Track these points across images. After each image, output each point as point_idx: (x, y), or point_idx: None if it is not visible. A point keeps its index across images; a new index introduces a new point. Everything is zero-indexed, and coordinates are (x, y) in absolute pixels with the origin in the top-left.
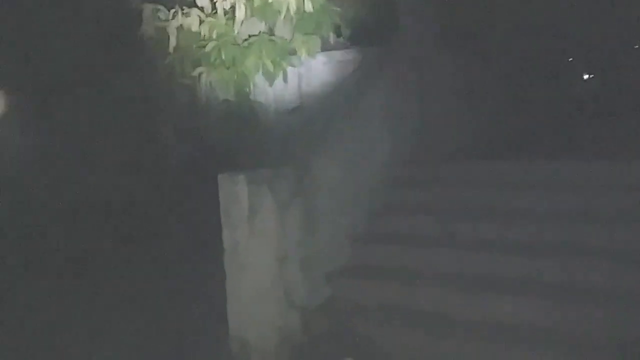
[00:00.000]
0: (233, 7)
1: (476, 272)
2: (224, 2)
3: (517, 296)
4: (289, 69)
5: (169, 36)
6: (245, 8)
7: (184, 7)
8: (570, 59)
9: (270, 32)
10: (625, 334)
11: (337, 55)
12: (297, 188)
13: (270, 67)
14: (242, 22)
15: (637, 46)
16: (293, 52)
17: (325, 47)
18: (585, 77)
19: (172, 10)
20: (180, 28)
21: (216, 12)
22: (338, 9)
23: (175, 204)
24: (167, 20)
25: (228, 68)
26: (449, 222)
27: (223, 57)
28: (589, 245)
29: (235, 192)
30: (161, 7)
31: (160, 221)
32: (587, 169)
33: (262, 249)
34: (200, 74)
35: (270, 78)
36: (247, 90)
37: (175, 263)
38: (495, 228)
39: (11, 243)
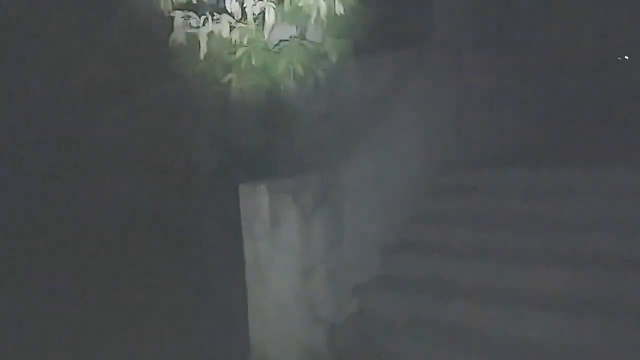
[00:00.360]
0: (263, 12)
1: (514, 286)
2: (254, 7)
3: (558, 313)
4: (321, 73)
5: (199, 43)
6: (275, 13)
7: (215, 14)
8: (620, 58)
9: (302, 36)
10: None
11: (370, 58)
12: (323, 197)
13: (301, 72)
14: (273, 27)
15: None
16: (324, 56)
17: (358, 51)
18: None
19: (203, 17)
20: (211, 34)
21: (246, 18)
22: (370, 10)
23: (200, 213)
24: (197, 27)
25: (259, 74)
26: (486, 232)
27: (253, 62)
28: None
29: (257, 203)
30: (192, 14)
31: (182, 231)
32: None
33: (285, 261)
34: (230, 80)
35: (301, 83)
36: (278, 95)
37: (195, 275)
38: (535, 239)
39: (25, 245)
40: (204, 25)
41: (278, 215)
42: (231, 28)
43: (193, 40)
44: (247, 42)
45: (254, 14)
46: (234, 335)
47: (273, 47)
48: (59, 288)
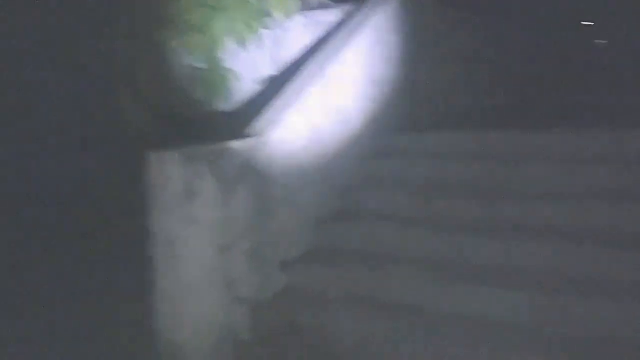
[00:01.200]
0: None
1: (459, 258)
2: None
3: (504, 288)
4: (264, 32)
5: None
6: None
7: None
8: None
9: None
10: None
11: (318, 15)
12: (248, 165)
13: (243, 30)
14: None
15: None
16: (269, 14)
17: (305, 7)
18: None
19: None
20: None
21: None
22: None
23: (113, 181)
24: None
25: (197, 32)
26: (429, 200)
27: (191, 19)
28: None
29: (167, 173)
30: None
31: (88, 202)
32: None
33: (199, 237)
34: (166, 39)
35: (242, 42)
36: (218, 56)
37: (95, 252)
38: (484, 208)
39: None
40: None
41: (192, 186)
42: None
43: None
44: None
45: None
46: (139, 320)
47: (213, 3)
48: None
